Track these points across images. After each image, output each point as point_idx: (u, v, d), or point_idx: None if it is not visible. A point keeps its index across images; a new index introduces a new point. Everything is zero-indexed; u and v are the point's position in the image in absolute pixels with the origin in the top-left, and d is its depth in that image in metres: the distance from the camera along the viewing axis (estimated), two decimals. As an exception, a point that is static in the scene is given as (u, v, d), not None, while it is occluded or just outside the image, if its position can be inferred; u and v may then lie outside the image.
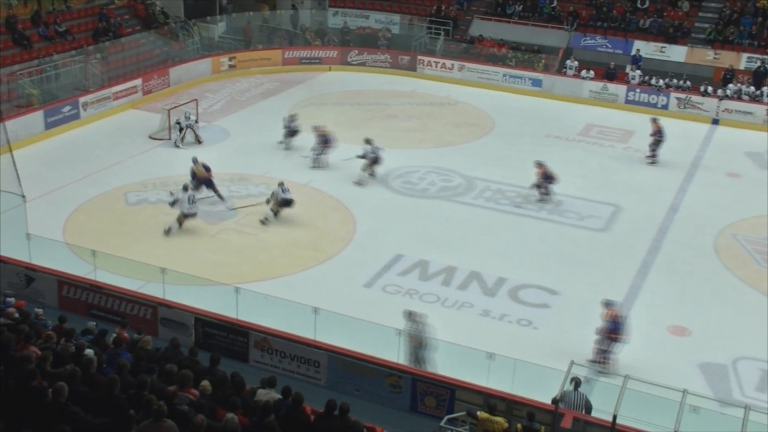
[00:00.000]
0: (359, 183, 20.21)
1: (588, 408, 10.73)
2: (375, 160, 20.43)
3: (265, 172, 20.53)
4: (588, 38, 30.72)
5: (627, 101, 27.96)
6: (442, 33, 32.06)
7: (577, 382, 10.87)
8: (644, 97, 27.74)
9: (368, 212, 18.72)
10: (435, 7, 33.14)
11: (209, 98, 26.33)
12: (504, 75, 29.68)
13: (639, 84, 28.25)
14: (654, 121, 23.13)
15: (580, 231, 18.35)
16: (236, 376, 9.22)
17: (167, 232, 17.10)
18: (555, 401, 10.37)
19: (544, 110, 27.44)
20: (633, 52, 29.72)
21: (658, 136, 22.69)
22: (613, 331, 12.88)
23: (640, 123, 26.24)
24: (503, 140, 24.26)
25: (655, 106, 27.53)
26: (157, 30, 29.30)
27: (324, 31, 32.76)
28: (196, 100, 23.35)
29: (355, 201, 19.16)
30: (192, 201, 17.21)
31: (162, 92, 26.46)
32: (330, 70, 30.65)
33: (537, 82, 29.09)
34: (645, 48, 29.75)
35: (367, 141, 20.63)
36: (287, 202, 17.89)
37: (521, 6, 32.32)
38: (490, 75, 29.83)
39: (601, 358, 12.93)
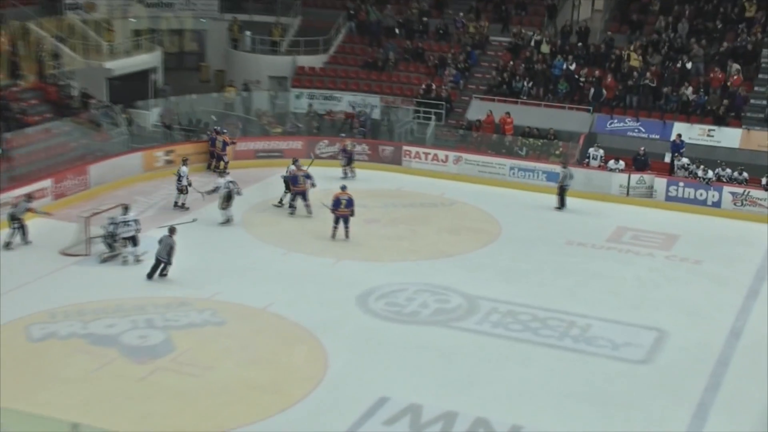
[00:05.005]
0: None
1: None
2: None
3: (213, 295, 20.60)
4: (615, 121, 31.73)
5: (668, 198, 28.68)
6: (433, 117, 33.00)
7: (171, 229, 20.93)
8: (689, 192, 28.38)
9: (343, 343, 18.70)
10: (423, 86, 34.15)
11: (141, 202, 26.55)
12: (512, 168, 30.40)
13: (683, 176, 28.95)
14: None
15: (614, 364, 18.36)
16: None
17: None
18: None
19: (564, 211, 28.08)
20: (673, 137, 30.55)
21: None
22: (294, 184, 26.00)
23: (685, 225, 26.74)
24: (513, 249, 24.60)
25: (704, 203, 28.22)
26: (74, 118, 29.83)
27: (285, 116, 33.62)
28: (123, 205, 23.56)
29: (326, 329, 19.18)
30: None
31: (79, 195, 26.82)
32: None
33: (553, 176, 29.63)
34: (688, 132, 30.65)
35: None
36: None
37: (531, 82, 33.41)
38: (494, 168, 30.53)
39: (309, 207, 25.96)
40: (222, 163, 29.60)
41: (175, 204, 26.56)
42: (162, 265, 21.36)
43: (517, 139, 31.60)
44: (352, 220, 24.69)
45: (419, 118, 33.21)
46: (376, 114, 33.86)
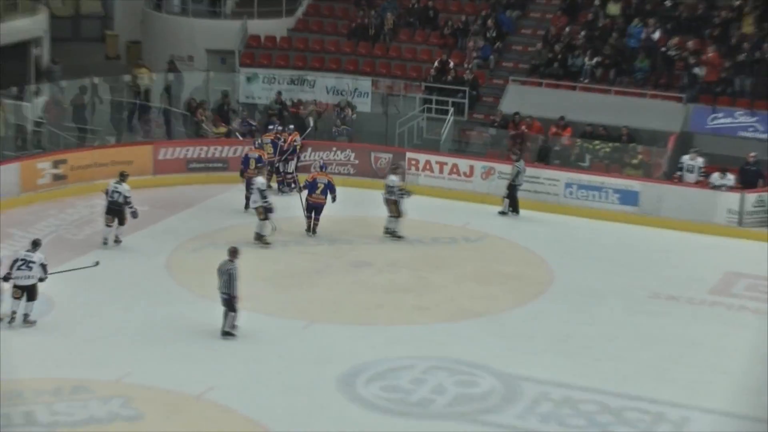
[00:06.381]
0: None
1: None
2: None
3: (124, 375, 20.49)
4: (721, 114, 31.92)
5: (798, 229, 28.73)
6: (452, 110, 33.18)
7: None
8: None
9: (320, 448, 18.62)
10: (436, 64, 34.32)
11: (16, 238, 26.57)
12: (569, 184, 30.58)
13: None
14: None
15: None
16: None
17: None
18: None
19: (645, 248, 28.18)
20: (805, 137, 30.72)
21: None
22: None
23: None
24: (570, 306, 24.59)
25: None
26: None
27: (232, 108, 33.83)
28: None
29: (292, 426, 19.07)
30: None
31: None
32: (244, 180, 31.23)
33: (630, 197, 29.98)
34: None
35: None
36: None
37: (596, 58, 33.58)
38: (542, 185, 30.78)
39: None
40: (274, 175, 30.43)
41: (258, 236, 27.26)
42: (225, 309, 21.96)
43: (576, 142, 31.75)
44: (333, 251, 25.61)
45: (430, 111, 33.44)
46: (365, 105, 34.17)
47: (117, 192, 26.09)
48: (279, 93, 34.34)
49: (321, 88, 34.64)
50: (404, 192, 27.99)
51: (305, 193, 27.75)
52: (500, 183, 30.88)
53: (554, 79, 33.64)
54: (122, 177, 26.58)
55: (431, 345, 22.38)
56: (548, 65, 34.05)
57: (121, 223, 26.42)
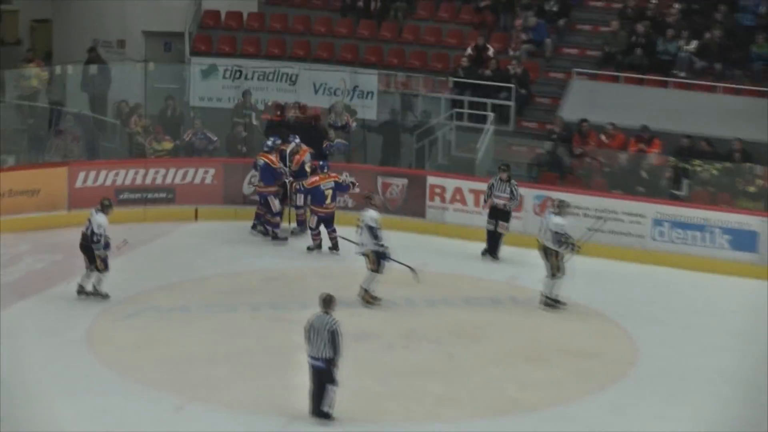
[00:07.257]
0: None
1: None
2: None
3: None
4: None
5: None
6: (492, 117, 32.98)
7: None
8: None
9: None
10: (469, 52, 34.39)
11: None
12: (659, 222, 30.24)
13: None
14: None
15: None
16: None
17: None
18: None
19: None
20: None
21: None
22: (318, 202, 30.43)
23: None
24: (662, 394, 23.92)
25: None
26: None
27: (179, 113, 33.99)
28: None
29: None
30: None
31: None
32: (197, 218, 31.44)
33: (746, 239, 29.65)
34: None
35: None
36: None
37: (694, 43, 33.25)
38: (621, 223, 30.53)
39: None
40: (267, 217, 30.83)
41: (364, 293, 27.16)
42: (321, 382, 21.08)
43: (669, 161, 31.41)
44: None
45: (461, 118, 33.27)
46: (369, 110, 34.07)
47: (89, 221, 26.29)
48: (247, 92, 34.28)
49: (306, 85, 34.67)
50: (575, 244, 27.19)
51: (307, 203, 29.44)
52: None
53: (637, 73, 33.68)
54: (102, 206, 26.59)
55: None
56: (628, 53, 33.96)
57: (97, 267, 26.39)
